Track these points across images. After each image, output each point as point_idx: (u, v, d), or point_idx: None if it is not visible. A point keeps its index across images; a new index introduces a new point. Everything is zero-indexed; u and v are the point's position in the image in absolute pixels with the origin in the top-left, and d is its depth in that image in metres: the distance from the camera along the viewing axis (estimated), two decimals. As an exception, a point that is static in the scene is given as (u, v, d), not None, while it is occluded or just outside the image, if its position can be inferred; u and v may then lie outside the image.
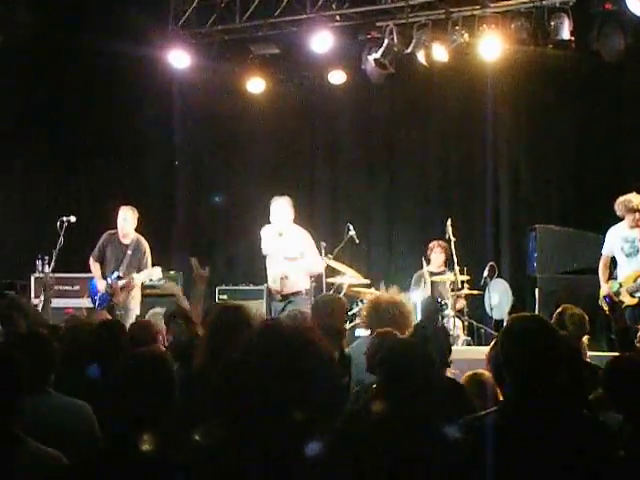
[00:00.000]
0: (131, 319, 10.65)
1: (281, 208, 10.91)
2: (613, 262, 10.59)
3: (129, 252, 11.40)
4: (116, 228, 11.56)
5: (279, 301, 10.80)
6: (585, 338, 7.01)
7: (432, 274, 12.15)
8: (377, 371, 4.28)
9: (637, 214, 10.18)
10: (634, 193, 10.21)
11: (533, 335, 3.60)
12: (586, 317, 7.21)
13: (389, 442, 3.72)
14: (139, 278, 11.37)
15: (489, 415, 3.64)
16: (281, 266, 10.75)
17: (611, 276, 10.60)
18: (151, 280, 11.70)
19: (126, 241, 11.49)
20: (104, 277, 11.42)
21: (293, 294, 10.68)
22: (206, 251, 14.77)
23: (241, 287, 13.79)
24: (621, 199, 10.25)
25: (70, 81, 14.47)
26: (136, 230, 11.61)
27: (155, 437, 3.43)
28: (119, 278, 11.29)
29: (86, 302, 11.93)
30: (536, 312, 10.80)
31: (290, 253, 10.79)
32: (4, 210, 14.39)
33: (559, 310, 7.25)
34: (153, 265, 11.54)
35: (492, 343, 5.60)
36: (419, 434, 3.76)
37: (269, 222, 11.08)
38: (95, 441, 4.70)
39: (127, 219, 11.50)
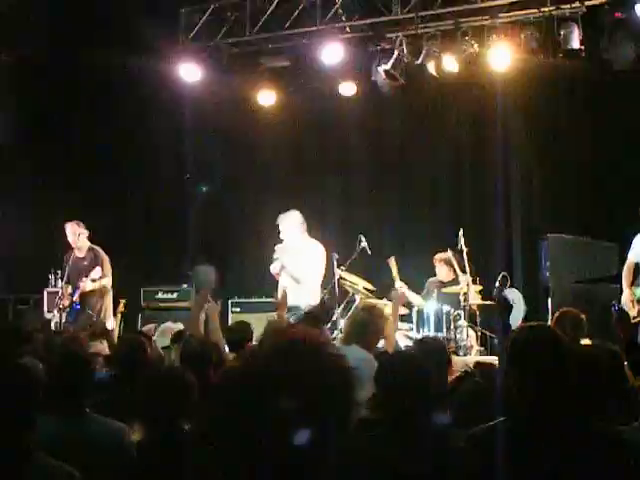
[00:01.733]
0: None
1: (288, 224, 11.01)
2: (638, 268, 10.60)
3: (85, 263, 11.77)
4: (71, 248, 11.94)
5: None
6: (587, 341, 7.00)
7: (443, 284, 12.12)
8: (375, 385, 4.29)
9: None
10: None
11: (540, 344, 3.57)
12: (583, 318, 7.21)
13: (389, 456, 3.72)
14: (89, 284, 11.66)
15: (498, 425, 3.61)
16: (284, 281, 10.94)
17: (634, 282, 10.60)
18: (93, 280, 11.78)
19: (81, 254, 11.75)
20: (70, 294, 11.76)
21: (295, 307, 10.78)
22: (218, 264, 14.79)
23: (253, 300, 13.81)
24: None
25: (81, 95, 14.55)
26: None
27: None
28: (78, 289, 11.63)
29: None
30: (549, 322, 10.77)
31: (294, 273, 10.91)
32: (17, 225, 14.44)
33: (557, 315, 7.27)
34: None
35: None
36: (419, 447, 3.75)
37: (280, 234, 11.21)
38: (132, 464, 4.72)
39: (75, 233, 11.80)
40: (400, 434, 3.89)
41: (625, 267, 10.68)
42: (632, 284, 10.58)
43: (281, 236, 11.14)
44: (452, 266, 11.80)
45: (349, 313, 7.56)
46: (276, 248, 11.07)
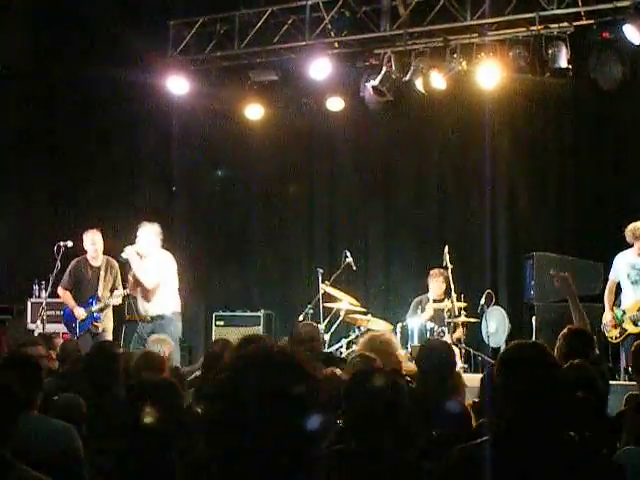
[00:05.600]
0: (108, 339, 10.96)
1: (147, 233, 11.34)
2: (618, 288, 10.61)
3: (102, 273, 11.71)
4: (83, 253, 11.86)
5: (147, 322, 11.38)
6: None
7: (433, 301, 12.07)
8: (343, 408, 4.28)
9: None
10: None
11: (531, 362, 3.53)
12: (592, 334, 7.18)
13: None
14: (115, 301, 11.72)
15: (485, 443, 3.57)
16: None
17: (615, 302, 10.60)
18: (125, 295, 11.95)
19: (97, 263, 11.80)
20: (79, 304, 11.61)
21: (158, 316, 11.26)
22: (203, 276, 14.75)
23: (238, 313, 13.77)
24: (630, 227, 10.31)
25: (69, 107, 14.52)
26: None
27: None
28: (98, 300, 11.56)
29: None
30: (533, 339, 10.77)
31: (148, 280, 11.24)
32: (1, 235, 14.39)
33: (565, 332, 6.98)
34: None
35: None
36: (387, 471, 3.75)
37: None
38: (80, 463, 4.71)
39: (96, 241, 11.78)
40: (367, 458, 3.90)
41: (607, 288, 10.69)
42: (613, 305, 10.59)
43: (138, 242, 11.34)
44: (448, 285, 11.74)
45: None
46: (127, 250, 11.25)
